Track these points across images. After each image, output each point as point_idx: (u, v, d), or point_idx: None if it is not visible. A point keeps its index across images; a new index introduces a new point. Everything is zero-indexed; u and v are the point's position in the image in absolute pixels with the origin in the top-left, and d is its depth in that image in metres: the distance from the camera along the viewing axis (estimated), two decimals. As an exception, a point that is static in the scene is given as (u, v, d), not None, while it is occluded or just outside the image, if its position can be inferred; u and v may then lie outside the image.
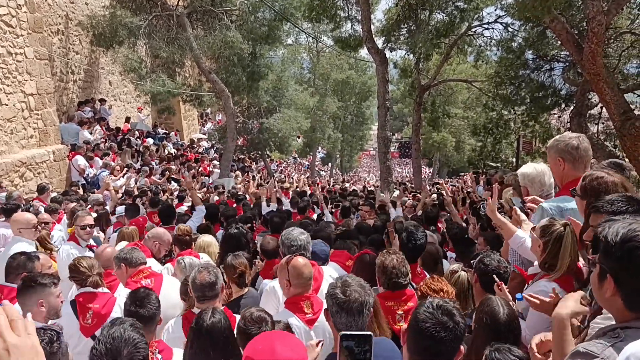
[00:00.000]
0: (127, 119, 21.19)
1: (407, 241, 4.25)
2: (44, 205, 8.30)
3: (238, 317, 3.33)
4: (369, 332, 1.49)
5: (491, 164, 22.70)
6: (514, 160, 21.78)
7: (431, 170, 47.27)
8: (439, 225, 7.90)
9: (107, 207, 8.69)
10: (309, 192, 13.21)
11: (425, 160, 44.99)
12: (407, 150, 32.39)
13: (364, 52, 26.55)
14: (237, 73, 20.06)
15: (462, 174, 30.41)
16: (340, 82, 40.90)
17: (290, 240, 4.10)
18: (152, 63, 19.83)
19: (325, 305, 3.24)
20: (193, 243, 5.27)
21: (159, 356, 2.89)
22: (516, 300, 3.09)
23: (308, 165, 44.65)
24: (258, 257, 5.51)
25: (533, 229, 3.23)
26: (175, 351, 2.94)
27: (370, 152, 67.84)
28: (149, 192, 10.53)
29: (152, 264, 4.82)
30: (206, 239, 5.49)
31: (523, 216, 3.70)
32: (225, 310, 3.32)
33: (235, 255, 4.25)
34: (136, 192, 10.45)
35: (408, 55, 22.61)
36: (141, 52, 18.87)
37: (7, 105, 11.74)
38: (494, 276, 3.24)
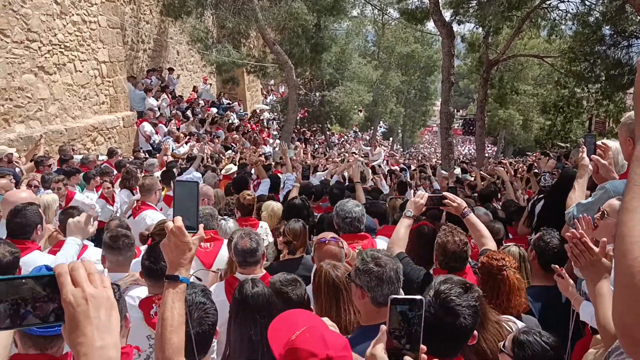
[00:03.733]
0: (194, 88, 21.69)
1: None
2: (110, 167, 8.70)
3: None
4: (420, 297, 1.48)
5: (560, 144, 21.82)
6: (585, 140, 20.77)
7: (495, 148, 45.94)
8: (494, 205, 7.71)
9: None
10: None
11: (490, 139, 43.76)
12: (471, 128, 31.51)
13: (430, 25, 25.89)
14: (301, 45, 20.07)
15: (529, 153, 29.36)
16: (405, 55, 40.13)
17: (345, 212, 4.07)
18: (218, 33, 20.15)
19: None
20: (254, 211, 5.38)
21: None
22: (578, 282, 2.98)
23: (369, 139, 44.37)
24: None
25: (600, 212, 3.08)
26: None
27: (433, 129, 66.56)
28: (208, 160, 10.83)
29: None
30: (273, 204, 5.64)
31: (586, 160, 3.53)
32: (266, 276, 3.40)
33: (293, 221, 4.31)
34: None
35: (477, 28, 21.84)
36: (208, 23, 19.18)
37: (81, 72, 12.27)
38: (556, 266, 3.13)
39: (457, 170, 14.78)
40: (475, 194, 8.86)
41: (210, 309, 2.23)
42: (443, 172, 13.92)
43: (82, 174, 7.48)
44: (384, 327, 1.48)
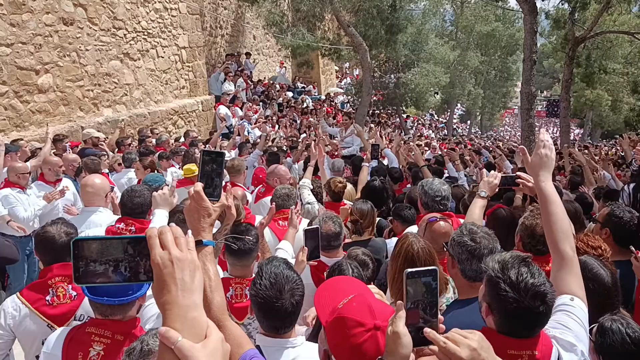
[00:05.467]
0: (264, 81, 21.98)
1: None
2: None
3: None
4: (435, 267, 1.48)
5: (652, 125, 20.39)
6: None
7: (582, 131, 43.57)
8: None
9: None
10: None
11: (576, 121, 41.55)
12: (555, 109, 30.13)
13: (512, 2, 24.82)
14: (376, 26, 19.85)
15: (617, 136, 27.63)
16: (485, 34, 38.61)
17: (435, 191, 3.98)
18: (293, 17, 20.31)
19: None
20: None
21: (248, 293, 3.00)
22: None
23: (445, 123, 43.35)
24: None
25: None
26: None
27: (514, 111, 63.96)
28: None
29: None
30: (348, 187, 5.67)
31: None
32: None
33: (361, 201, 4.31)
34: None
35: (562, 4, 20.73)
36: (283, 6, 19.36)
37: (162, 57, 12.80)
38: (632, 247, 2.98)
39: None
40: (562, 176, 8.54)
41: (298, 280, 2.28)
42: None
43: (156, 154, 7.87)
44: (401, 303, 1.45)
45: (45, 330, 2.72)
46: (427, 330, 1.43)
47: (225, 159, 7.78)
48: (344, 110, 24.81)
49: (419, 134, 22.86)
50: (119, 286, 2.20)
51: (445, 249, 2.65)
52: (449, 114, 43.36)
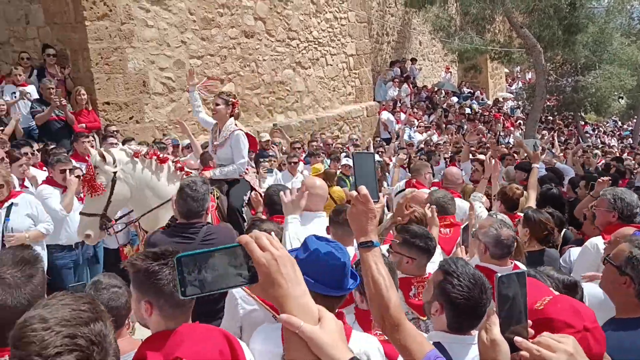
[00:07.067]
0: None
1: None
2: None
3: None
4: (524, 270, 1.39)
5: None
6: None
7: None
8: None
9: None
10: None
11: None
12: None
13: None
14: (552, 26, 18.56)
15: None
16: (684, 31, 34.11)
17: (636, 202, 3.73)
18: (461, 21, 19.84)
19: None
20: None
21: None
22: None
23: (630, 130, 38.99)
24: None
25: None
26: None
27: None
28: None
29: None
30: None
31: None
32: (515, 267, 3.29)
33: (536, 210, 4.16)
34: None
35: None
36: (451, 10, 18.99)
37: (331, 65, 13.30)
38: None
39: None
40: None
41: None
42: None
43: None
44: (491, 310, 1.41)
45: (271, 321, 2.82)
46: (517, 339, 1.37)
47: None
48: (513, 116, 23.63)
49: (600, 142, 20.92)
50: (340, 279, 2.16)
51: (607, 262, 2.39)
52: (635, 120, 38.96)
